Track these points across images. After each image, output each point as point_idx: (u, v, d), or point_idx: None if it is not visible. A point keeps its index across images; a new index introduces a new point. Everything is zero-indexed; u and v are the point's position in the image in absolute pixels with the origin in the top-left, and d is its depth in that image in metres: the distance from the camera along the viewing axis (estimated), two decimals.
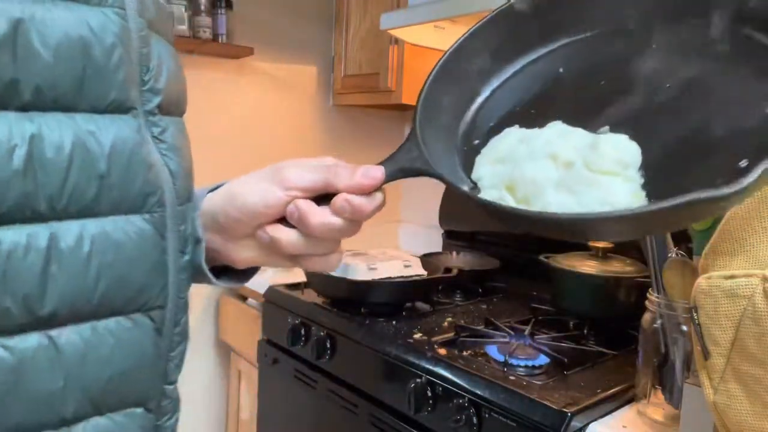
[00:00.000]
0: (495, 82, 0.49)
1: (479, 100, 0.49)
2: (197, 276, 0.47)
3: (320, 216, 0.42)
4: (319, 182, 0.43)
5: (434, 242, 1.97)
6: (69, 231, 0.34)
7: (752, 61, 0.39)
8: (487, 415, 0.90)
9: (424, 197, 2.07)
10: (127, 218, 0.37)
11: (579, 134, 0.40)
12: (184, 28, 1.50)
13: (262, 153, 1.81)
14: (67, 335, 0.35)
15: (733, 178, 0.29)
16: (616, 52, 0.45)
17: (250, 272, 0.52)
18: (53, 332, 0.34)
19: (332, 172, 0.43)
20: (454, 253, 1.70)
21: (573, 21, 0.47)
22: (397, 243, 2.16)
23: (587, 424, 0.84)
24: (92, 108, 0.35)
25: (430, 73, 0.47)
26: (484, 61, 0.49)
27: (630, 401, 0.91)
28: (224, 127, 1.73)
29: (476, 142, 0.46)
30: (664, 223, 0.37)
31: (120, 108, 0.36)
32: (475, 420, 0.91)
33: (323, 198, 0.43)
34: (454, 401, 0.94)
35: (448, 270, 1.44)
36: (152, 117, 0.39)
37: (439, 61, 0.47)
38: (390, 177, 0.43)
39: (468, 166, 0.44)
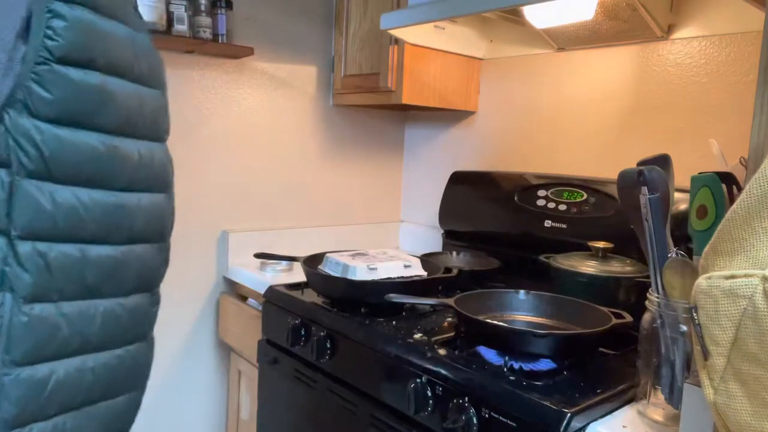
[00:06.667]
0: None
1: None
2: None
3: None
4: None
5: (434, 242, 1.97)
6: None
7: None
8: (487, 415, 0.90)
9: (424, 197, 2.07)
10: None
11: None
12: (184, 28, 1.50)
13: (262, 153, 1.81)
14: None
15: None
16: None
17: None
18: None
19: None
20: (454, 253, 1.70)
21: None
22: (397, 243, 2.16)
23: (587, 424, 0.84)
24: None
25: None
26: None
27: (630, 401, 0.91)
28: (224, 127, 1.72)
29: None
30: None
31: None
32: (475, 420, 0.91)
33: None
34: (454, 401, 0.94)
35: (448, 270, 1.44)
36: None
37: None
38: None
39: None
